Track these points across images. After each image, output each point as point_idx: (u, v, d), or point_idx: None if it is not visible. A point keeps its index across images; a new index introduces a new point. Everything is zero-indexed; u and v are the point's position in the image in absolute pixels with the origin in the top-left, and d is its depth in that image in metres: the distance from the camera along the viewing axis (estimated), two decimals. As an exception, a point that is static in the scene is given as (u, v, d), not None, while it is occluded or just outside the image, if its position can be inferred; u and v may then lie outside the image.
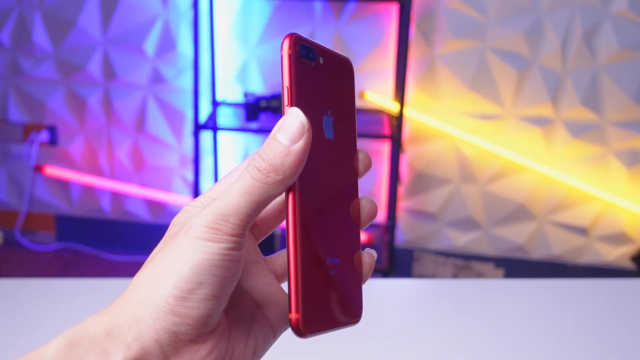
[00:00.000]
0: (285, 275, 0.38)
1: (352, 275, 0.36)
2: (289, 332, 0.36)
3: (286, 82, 0.33)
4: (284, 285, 0.37)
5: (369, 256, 0.38)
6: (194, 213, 0.34)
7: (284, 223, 0.34)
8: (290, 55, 0.33)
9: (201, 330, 0.31)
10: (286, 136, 0.32)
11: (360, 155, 0.38)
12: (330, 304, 0.34)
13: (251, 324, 0.35)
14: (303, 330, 0.32)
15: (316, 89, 0.35)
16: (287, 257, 0.33)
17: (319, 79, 0.35)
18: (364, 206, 0.38)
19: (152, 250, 0.34)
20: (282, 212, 0.38)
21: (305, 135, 0.32)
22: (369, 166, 0.38)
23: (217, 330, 0.32)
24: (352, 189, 0.37)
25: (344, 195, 0.36)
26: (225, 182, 0.36)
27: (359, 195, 0.38)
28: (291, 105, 0.33)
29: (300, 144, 0.31)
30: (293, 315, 0.32)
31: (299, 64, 0.33)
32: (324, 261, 0.34)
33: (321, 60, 0.35)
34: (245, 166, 0.33)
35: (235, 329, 0.34)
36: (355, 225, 0.37)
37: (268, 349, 0.36)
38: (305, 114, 0.32)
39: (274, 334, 0.36)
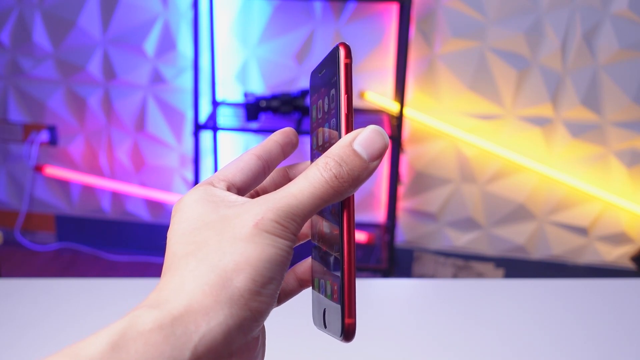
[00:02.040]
0: None
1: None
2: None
3: (343, 90, 0.33)
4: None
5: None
6: (230, 200, 0.32)
7: None
8: (346, 65, 0.33)
9: (261, 325, 0.30)
10: (368, 151, 0.32)
11: None
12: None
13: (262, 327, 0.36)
14: (354, 333, 0.33)
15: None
16: (342, 264, 0.33)
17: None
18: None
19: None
20: None
21: (383, 155, 0.32)
22: None
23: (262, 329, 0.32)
24: None
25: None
26: (236, 165, 0.35)
27: None
28: (347, 113, 0.33)
29: (377, 163, 0.32)
30: (347, 320, 0.33)
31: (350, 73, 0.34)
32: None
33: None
34: (315, 168, 0.32)
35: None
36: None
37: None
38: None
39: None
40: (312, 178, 0.31)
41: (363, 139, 0.32)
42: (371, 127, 0.32)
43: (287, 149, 0.37)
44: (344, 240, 0.33)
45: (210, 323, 0.27)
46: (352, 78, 0.33)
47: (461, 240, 2.17)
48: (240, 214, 0.30)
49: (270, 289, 0.29)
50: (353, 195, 0.33)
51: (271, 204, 0.30)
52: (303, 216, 0.31)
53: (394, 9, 1.93)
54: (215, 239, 0.30)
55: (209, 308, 0.27)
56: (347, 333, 0.33)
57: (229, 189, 0.34)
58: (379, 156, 0.32)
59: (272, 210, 0.30)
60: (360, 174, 0.31)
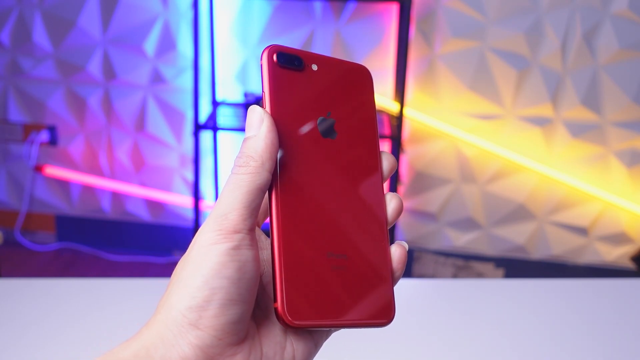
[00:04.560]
0: None
1: (369, 272, 0.36)
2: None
3: (263, 89, 0.35)
4: None
5: (398, 247, 0.37)
6: None
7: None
8: (267, 65, 0.36)
9: (227, 340, 0.30)
10: (250, 129, 0.34)
11: (384, 156, 0.38)
12: (329, 298, 0.34)
13: (286, 335, 0.34)
14: (285, 319, 0.32)
15: (306, 92, 0.36)
16: (271, 247, 0.33)
17: (311, 83, 0.37)
18: (389, 202, 0.38)
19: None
20: None
21: (265, 120, 0.34)
22: (393, 166, 0.39)
23: (247, 342, 0.31)
24: (371, 186, 0.38)
25: (359, 192, 0.37)
26: None
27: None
28: (264, 108, 0.35)
29: (262, 128, 0.33)
30: (278, 304, 0.32)
31: (278, 72, 0.36)
32: (320, 255, 0.34)
33: (314, 67, 0.37)
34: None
35: (268, 341, 0.33)
36: (378, 222, 0.37)
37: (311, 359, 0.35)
38: (287, 114, 0.35)
39: (315, 343, 0.35)
40: (226, 180, 0.33)
41: (246, 124, 0.34)
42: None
43: None
44: (272, 222, 0.34)
45: (165, 345, 0.29)
46: (271, 77, 0.35)
47: (461, 240, 2.17)
48: (191, 244, 0.33)
49: (216, 300, 0.30)
50: (276, 176, 0.34)
51: (204, 221, 0.32)
52: (233, 211, 0.31)
53: (394, 9, 1.93)
54: (175, 275, 0.32)
55: (162, 334, 0.30)
56: (278, 319, 0.32)
57: None
58: (260, 123, 0.34)
59: (206, 224, 0.32)
60: (255, 147, 0.33)
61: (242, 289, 0.30)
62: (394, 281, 0.37)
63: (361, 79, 0.39)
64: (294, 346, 0.34)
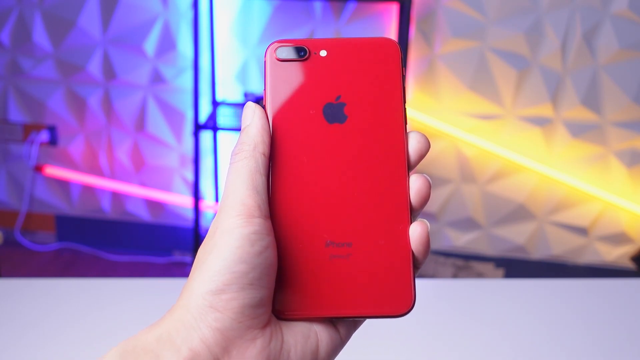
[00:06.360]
0: None
1: (381, 260, 0.34)
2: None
3: (265, 86, 0.36)
4: None
5: (417, 226, 0.34)
6: None
7: None
8: (267, 62, 0.36)
9: (247, 324, 0.30)
10: (244, 122, 0.35)
11: (412, 135, 0.36)
12: (325, 288, 0.33)
13: (310, 325, 0.33)
14: (275, 312, 0.33)
15: (310, 80, 0.36)
16: None
17: (317, 70, 0.36)
18: (412, 184, 0.35)
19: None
20: None
21: (256, 111, 0.35)
22: (424, 145, 0.35)
23: (268, 328, 0.32)
24: (389, 169, 0.35)
25: (372, 176, 0.35)
26: None
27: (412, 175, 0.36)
28: (265, 104, 0.36)
29: (254, 117, 0.35)
30: None
31: (278, 66, 0.36)
32: (316, 244, 0.34)
33: (323, 53, 0.36)
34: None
35: (289, 330, 0.33)
36: (396, 207, 0.34)
37: (336, 352, 0.34)
38: (287, 105, 0.35)
39: (341, 336, 0.35)
40: (227, 171, 0.34)
41: (241, 120, 0.36)
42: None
43: None
44: None
45: (187, 329, 0.30)
46: (270, 73, 0.36)
47: (461, 240, 2.17)
48: (212, 231, 0.33)
49: (236, 284, 0.30)
50: (271, 164, 0.35)
51: (223, 208, 0.33)
52: (246, 197, 0.32)
53: (394, 9, 1.93)
54: (197, 261, 0.33)
55: (184, 318, 0.31)
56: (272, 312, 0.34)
57: None
58: (252, 114, 0.35)
59: (225, 212, 0.32)
60: (248, 133, 0.34)
61: (262, 274, 0.31)
62: (416, 266, 0.34)
63: (383, 54, 0.37)
64: (318, 337, 0.33)
